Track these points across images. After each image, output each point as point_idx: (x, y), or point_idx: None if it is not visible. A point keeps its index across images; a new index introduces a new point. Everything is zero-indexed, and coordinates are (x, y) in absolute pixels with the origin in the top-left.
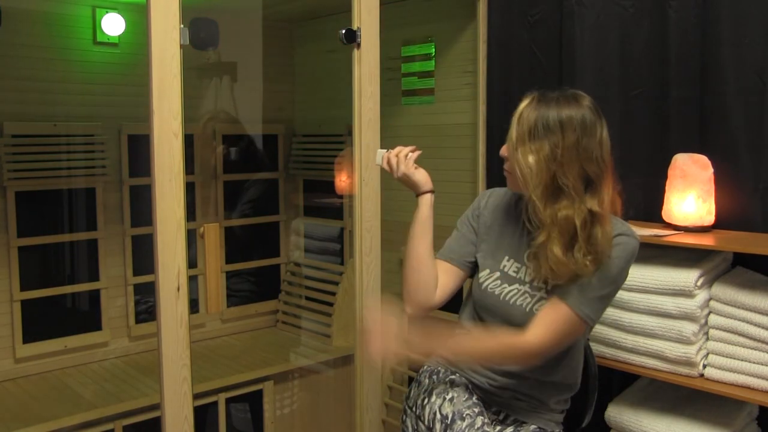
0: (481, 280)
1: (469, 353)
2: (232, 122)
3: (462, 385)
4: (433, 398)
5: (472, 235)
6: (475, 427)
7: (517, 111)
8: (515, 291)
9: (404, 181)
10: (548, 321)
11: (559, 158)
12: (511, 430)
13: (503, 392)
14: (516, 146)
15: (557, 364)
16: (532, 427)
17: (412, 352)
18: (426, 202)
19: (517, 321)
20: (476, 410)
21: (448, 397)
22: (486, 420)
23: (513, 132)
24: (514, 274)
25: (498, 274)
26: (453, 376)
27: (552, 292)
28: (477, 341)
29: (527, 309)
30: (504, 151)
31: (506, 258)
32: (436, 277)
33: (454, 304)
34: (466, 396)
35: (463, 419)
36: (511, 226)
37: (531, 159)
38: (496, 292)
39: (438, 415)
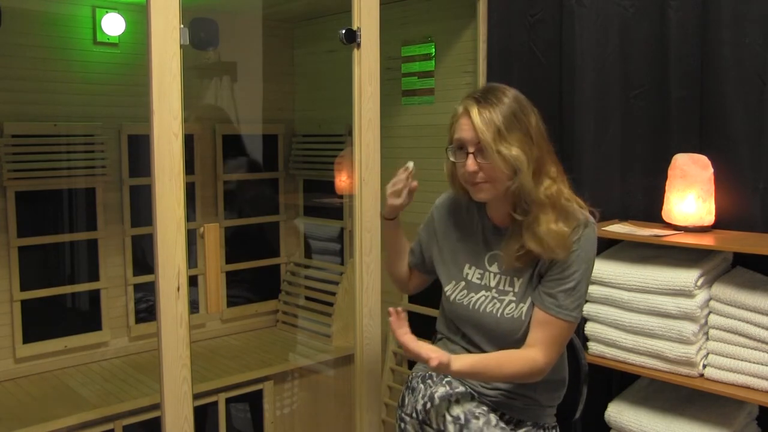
0: (448, 293)
1: (495, 374)
2: (226, 121)
3: (461, 386)
4: (437, 401)
5: (421, 245)
6: (492, 424)
7: (473, 122)
8: (482, 298)
9: (398, 204)
10: (546, 338)
11: (534, 140)
12: (511, 427)
13: (496, 392)
14: (496, 147)
15: None
16: (529, 423)
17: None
18: (393, 224)
19: (490, 328)
20: (485, 408)
21: (453, 399)
22: (497, 416)
23: (485, 138)
24: (478, 281)
25: (463, 283)
26: (449, 378)
27: (526, 301)
28: (501, 364)
29: (498, 315)
30: (472, 165)
31: (467, 266)
32: (404, 276)
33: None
34: (470, 397)
35: (477, 418)
36: (466, 232)
37: (515, 151)
38: (464, 303)
39: (449, 417)
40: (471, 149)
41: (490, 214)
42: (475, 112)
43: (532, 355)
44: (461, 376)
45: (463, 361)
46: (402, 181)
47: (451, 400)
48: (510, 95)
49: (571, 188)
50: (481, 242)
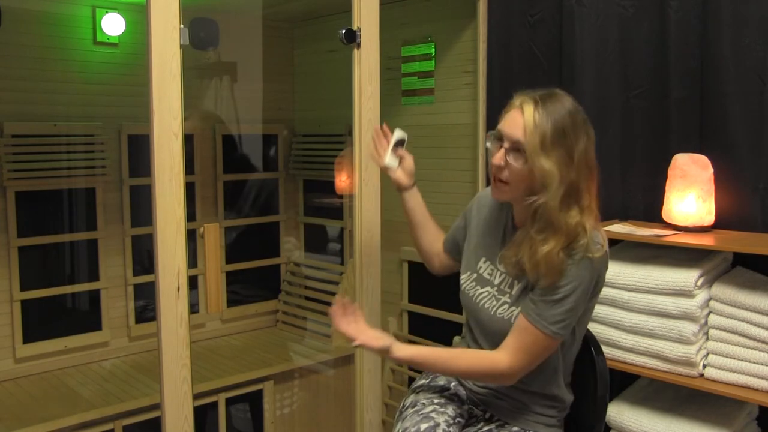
0: (461, 282)
1: (446, 367)
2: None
3: (443, 380)
4: (410, 393)
5: (460, 229)
6: (420, 412)
7: (524, 120)
8: (486, 293)
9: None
10: (517, 343)
11: (575, 163)
12: (492, 427)
13: (485, 390)
14: (535, 155)
15: (529, 375)
16: (515, 428)
17: (394, 346)
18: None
19: (485, 323)
20: (438, 401)
21: (419, 390)
22: (443, 410)
23: (530, 141)
24: (488, 277)
25: (474, 275)
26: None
27: (519, 305)
28: (455, 358)
29: (492, 312)
30: (499, 159)
31: (483, 260)
32: (429, 251)
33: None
34: (437, 390)
35: (414, 406)
36: (493, 229)
37: (549, 165)
38: (471, 294)
39: (402, 405)
40: (506, 145)
41: (514, 214)
42: (529, 111)
43: (495, 356)
44: (404, 363)
45: (409, 350)
46: (376, 149)
47: (417, 391)
48: (567, 107)
49: (597, 220)
50: (500, 240)
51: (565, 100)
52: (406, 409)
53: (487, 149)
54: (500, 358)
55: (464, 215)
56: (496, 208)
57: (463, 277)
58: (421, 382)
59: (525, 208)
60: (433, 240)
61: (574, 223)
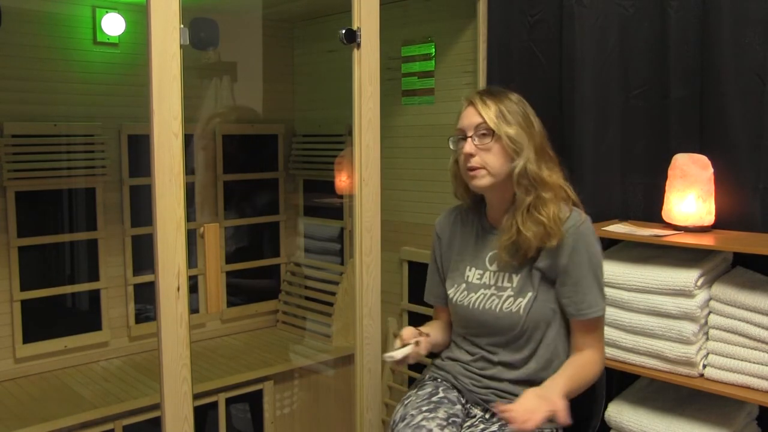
0: (450, 296)
1: (577, 387)
2: (235, 120)
3: (429, 388)
4: (399, 406)
5: (438, 272)
6: (410, 425)
7: (477, 107)
8: (481, 296)
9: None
10: (596, 339)
11: (536, 130)
12: (495, 428)
13: (486, 391)
14: (498, 125)
15: (542, 367)
16: None
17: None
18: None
19: (489, 325)
20: (424, 409)
21: (406, 402)
22: (432, 415)
23: (488, 116)
24: (477, 281)
25: (464, 285)
26: (428, 381)
27: (524, 294)
28: (582, 376)
29: (497, 311)
30: (469, 148)
31: (468, 267)
32: (446, 332)
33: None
34: (425, 398)
35: (404, 420)
36: (466, 238)
37: (514, 130)
38: (465, 303)
39: (392, 420)
40: (470, 133)
41: (488, 215)
42: (478, 99)
43: (594, 357)
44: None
45: (562, 389)
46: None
47: (405, 403)
48: (514, 95)
49: (567, 182)
50: (480, 243)
51: (508, 91)
52: (397, 424)
53: (455, 163)
54: (596, 357)
55: (434, 255)
56: (463, 221)
57: (450, 292)
58: (409, 393)
59: (503, 195)
60: (446, 328)
61: (555, 179)
